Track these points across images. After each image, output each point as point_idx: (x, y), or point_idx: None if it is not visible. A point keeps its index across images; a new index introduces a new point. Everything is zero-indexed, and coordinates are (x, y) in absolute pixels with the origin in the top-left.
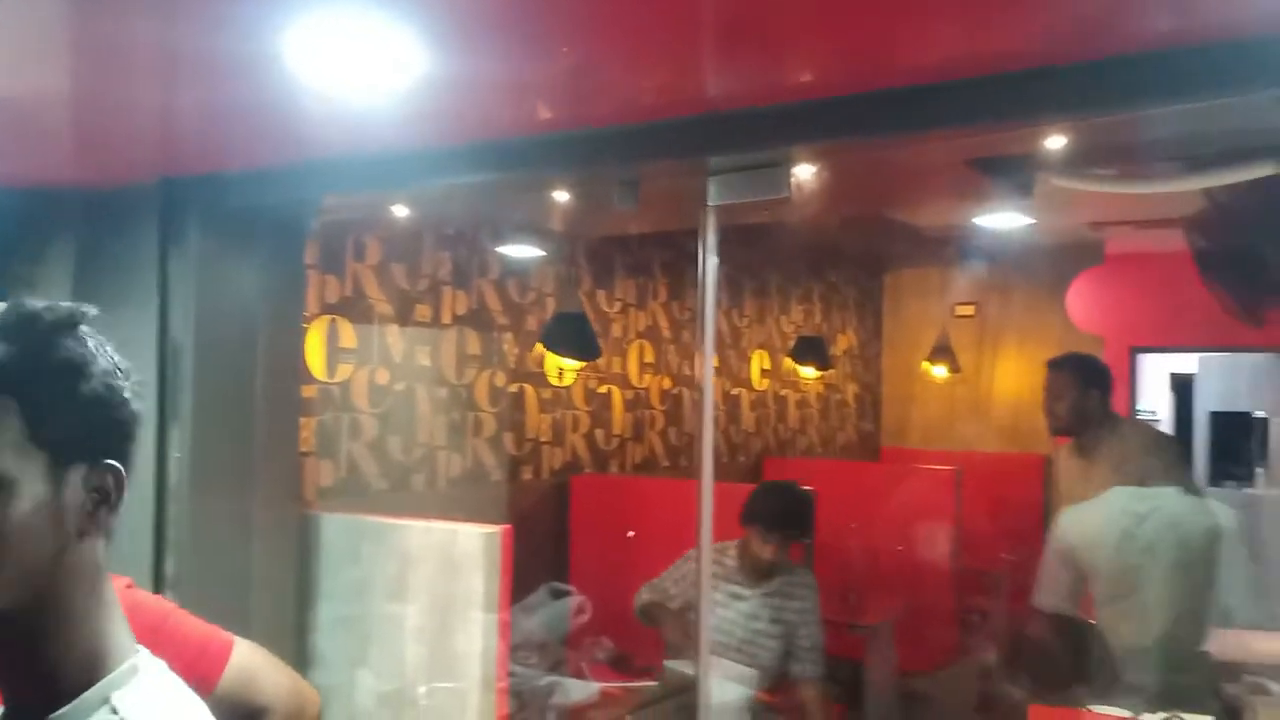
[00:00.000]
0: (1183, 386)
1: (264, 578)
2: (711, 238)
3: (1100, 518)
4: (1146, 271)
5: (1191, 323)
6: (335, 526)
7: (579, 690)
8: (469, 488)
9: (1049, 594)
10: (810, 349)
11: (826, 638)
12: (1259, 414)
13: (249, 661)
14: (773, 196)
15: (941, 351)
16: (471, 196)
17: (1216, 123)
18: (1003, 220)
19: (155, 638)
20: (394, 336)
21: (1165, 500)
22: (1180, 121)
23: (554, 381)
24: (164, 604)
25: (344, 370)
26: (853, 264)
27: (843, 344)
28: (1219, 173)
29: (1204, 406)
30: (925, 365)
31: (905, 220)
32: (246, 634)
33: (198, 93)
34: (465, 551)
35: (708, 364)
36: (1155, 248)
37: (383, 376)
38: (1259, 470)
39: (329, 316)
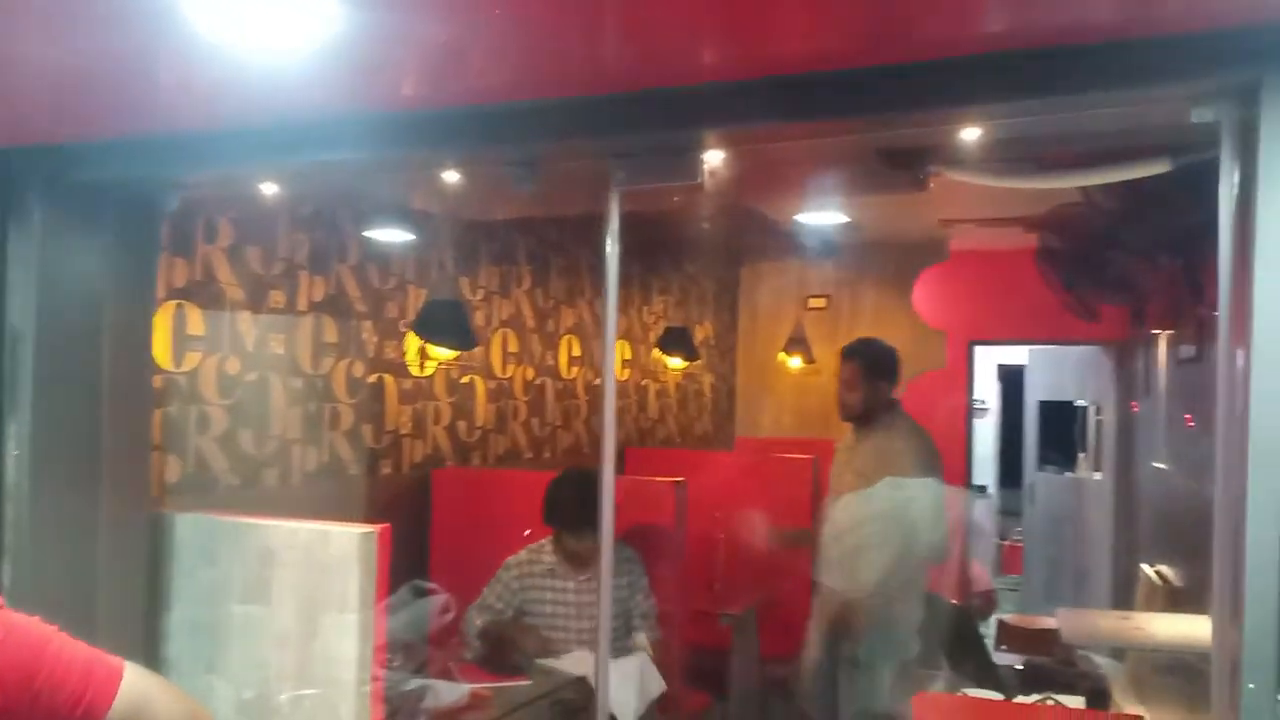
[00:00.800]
0: (1010, 377)
1: (111, 581)
2: (615, 223)
3: (871, 505)
4: (985, 268)
5: (1024, 317)
6: (189, 526)
7: (449, 693)
8: (325, 483)
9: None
10: (677, 340)
11: (695, 629)
12: (1080, 403)
13: (140, 688)
14: (683, 183)
15: (797, 343)
16: (338, 176)
17: (1109, 122)
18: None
19: (36, 665)
20: (246, 323)
21: (921, 491)
22: (1072, 119)
23: (415, 372)
24: (44, 628)
25: (191, 359)
26: (711, 256)
27: (700, 335)
28: (1108, 170)
29: (1034, 396)
30: (781, 356)
31: (764, 213)
32: (91, 642)
33: (41, 52)
34: (338, 552)
35: (609, 353)
36: (993, 246)
37: (233, 366)
38: (1080, 455)
39: (176, 302)
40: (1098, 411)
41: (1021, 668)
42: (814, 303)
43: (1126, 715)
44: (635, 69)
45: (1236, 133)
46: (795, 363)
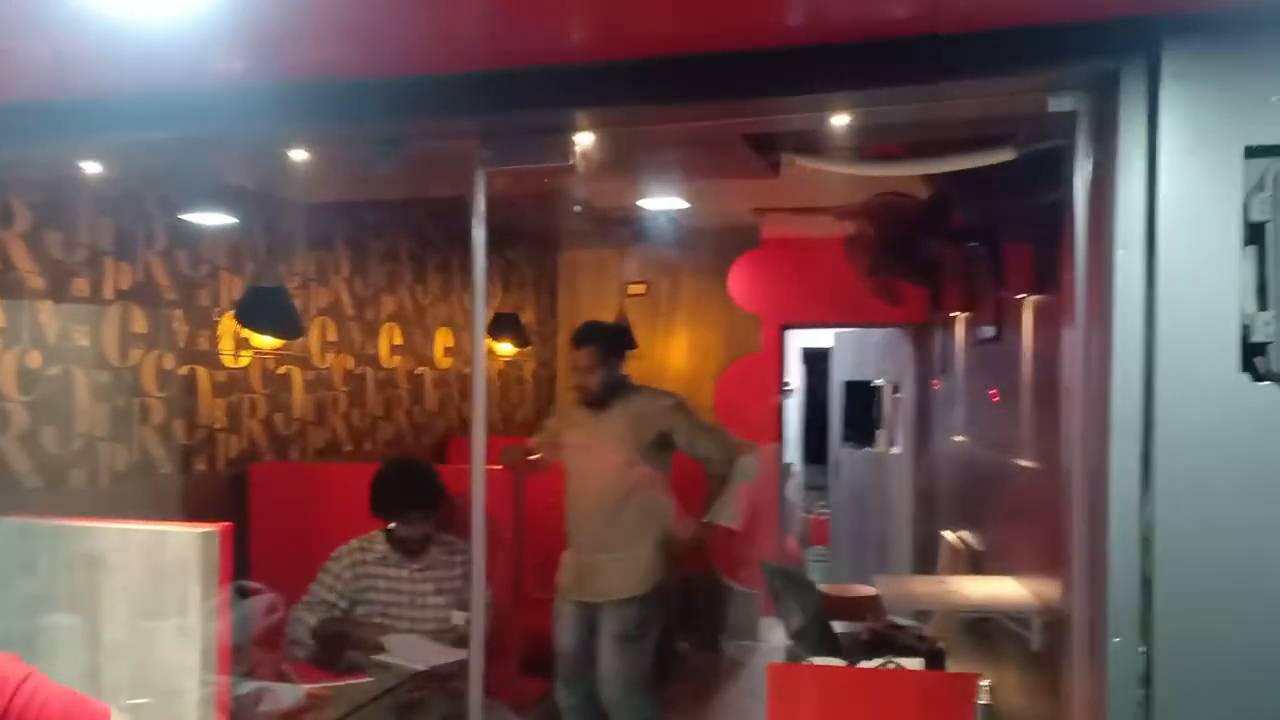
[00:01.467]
0: (814, 359)
1: None
2: (482, 204)
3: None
4: (795, 255)
5: (832, 301)
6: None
7: (287, 694)
8: (136, 483)
9: None
10: (508, 325)
11: (532, 616)
12: (878, 382)
13: None
14: (553, 164)
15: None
16: (159, 155)
17: (969, 110)
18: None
19: (6, 708)
20: (48, 314)
21: None
22: (935, 108)
23: (229, 363)
24: (15, 665)
25: None
26: (531, 242)
27: (523, 321)
28: (955, 159)
29: (839, 377)
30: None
31: (585, 200)
32: None
33: None
34: (176, 554)
35: (478, 341)
36: (803, 233)
37: (34, 359)
38: (878, 432)
39: None
40: (895, 390)
41: (865, 636)
42: (634, 289)
43: (964, 674)
44: (503, 47)
45: (1091, 121)
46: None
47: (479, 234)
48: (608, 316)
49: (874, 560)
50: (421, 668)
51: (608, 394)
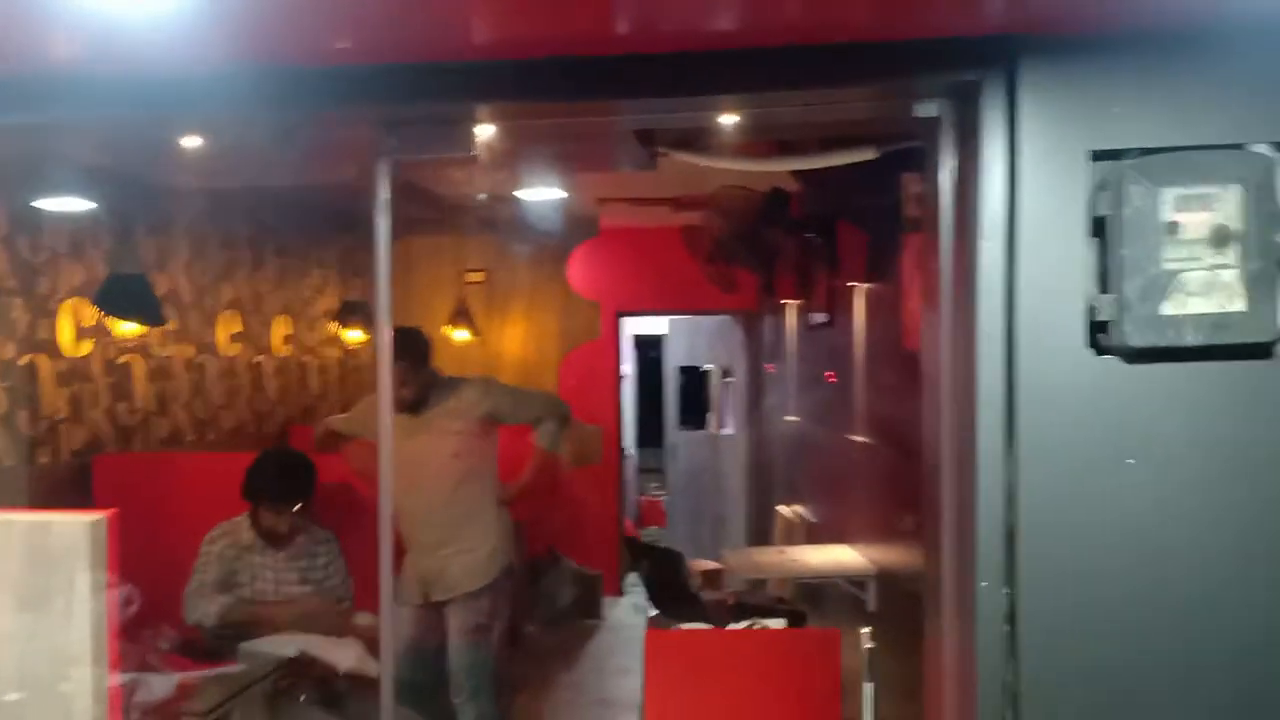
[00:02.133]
0: (646, 346)
1: None
2: (384, 193)
3: None
4: (632, 244)
5: (667, 289)
6: None
7: (160, 685)
8: None
9: None
10: (356, 312)
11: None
12: (707, 367)
13: None
14: (455, 155)
15: (461, 315)
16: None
17: (832, 114)
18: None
19: None
20: None
21: None
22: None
23: (69, 352)
24: None
25: None
26: (366, 228)
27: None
28: (823, 156)
29: (673, 362)
30: (446, 329)
31: (424, 187)
32: None
33: None
34: (62, 543)
35: (382, 332)
36: (640, 223)
37: None
38: (708, 415)
39: None
40: (725, 375)
41: (731, 602)
42: (471, 276)
43: (827, 630)
44: (408, 39)
45: (954, 126)
46: (461, 335)
47: (383, 224)
48: (447, 304)
49: (711, 537)
50: (291, 654)
51: (422, 397)
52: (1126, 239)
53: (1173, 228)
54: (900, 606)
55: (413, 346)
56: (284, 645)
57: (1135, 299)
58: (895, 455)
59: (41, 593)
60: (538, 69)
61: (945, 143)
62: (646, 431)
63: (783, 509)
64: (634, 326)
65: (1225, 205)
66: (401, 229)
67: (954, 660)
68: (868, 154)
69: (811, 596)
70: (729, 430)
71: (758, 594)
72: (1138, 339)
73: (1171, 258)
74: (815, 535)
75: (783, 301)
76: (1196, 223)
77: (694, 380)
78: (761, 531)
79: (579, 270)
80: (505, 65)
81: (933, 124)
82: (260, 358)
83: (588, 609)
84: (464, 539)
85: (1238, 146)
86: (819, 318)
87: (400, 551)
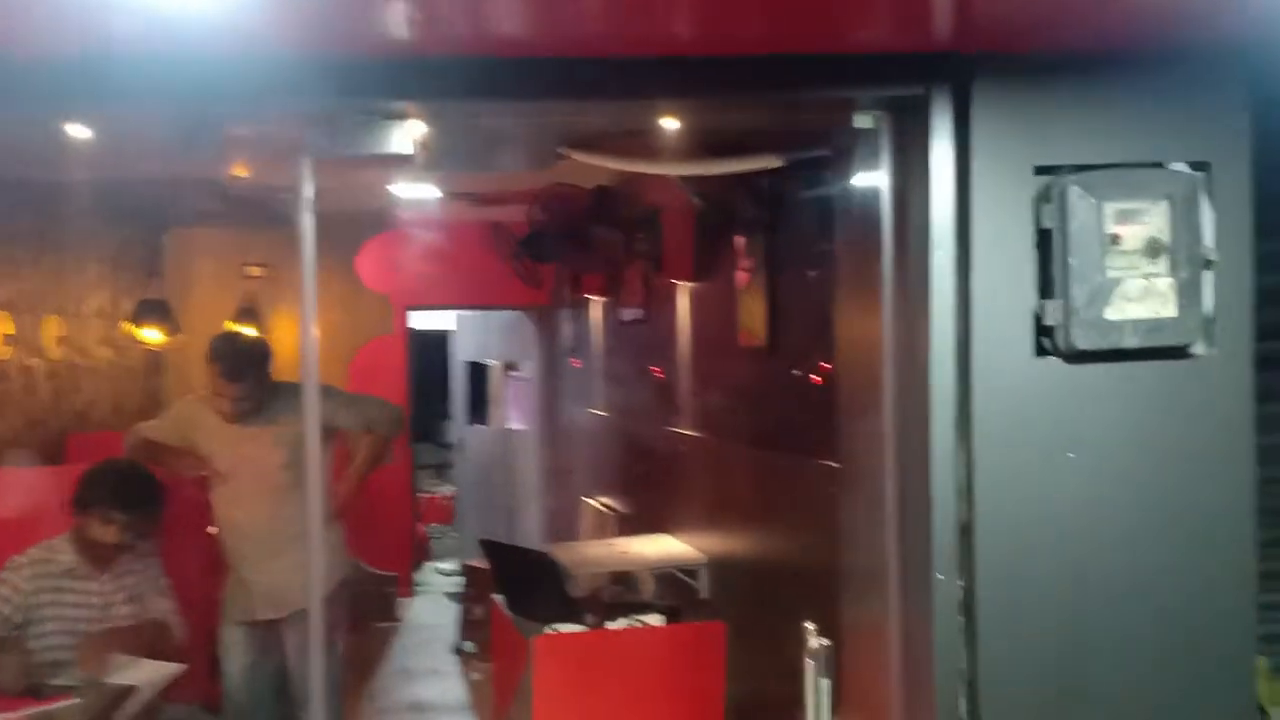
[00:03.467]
0: (428, 341)
1: None
2: (310, 190)
3: None
4: (424, 239)
5: (458, 284)
6: None
7: None
8: None
9: None
10: (154, 311)
11: None
12: (490, 362)
13: None
14: (386, 152)
15: (247, 313)
16: None
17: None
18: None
19: None
20: None
21: None
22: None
23: None
24: None
25: None
26: (136, 221)
27: (129, 306)
28: (725, 162)
29: (462, 357)
30: (230, 325)
31: (202, 177)
32: None
33: None
34: None
35: (308, 329)
36: (433, 217)
37: None
38: (489, 410)
39: None
40: (510, 369)
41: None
42: (251, 271)
43: (711, 623)
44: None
45: (892, 137)
46: (249, 333)
47: (307, 222)
48: (228, 300)
49: (505, 533)
50: (131, 683)
51: (251, 407)
52: (1073, 249)
53: (1114, 239)
54: (733, 592)
55: (260, 358)
56: (123, 673)
57: (1082, 305)
58: (727, 446)
59: None
60: (471, 67)
61: (883, 154)
62: (427, 428)
63: (590, 502)
64: (416, 321)
65: (1156, 219)
66: (173, 221)
67: (903, 651)
68: (772, 161)
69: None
70: (518, 425)
71: (630, 592)
72: (1084, 341)
73: (1113, 266)
74: (629, 527)
75: (588, 297)
76: (1132, 235)
77: (481, 376)
78: (563, 525)
79: (369, 264)
80: (429, 63)
81: (868, 135)
82: (33, 360)
83: (383, 612)
84: (297, 552)
85: (1159, 165)
86: (633, 313)
87: (224, 566)
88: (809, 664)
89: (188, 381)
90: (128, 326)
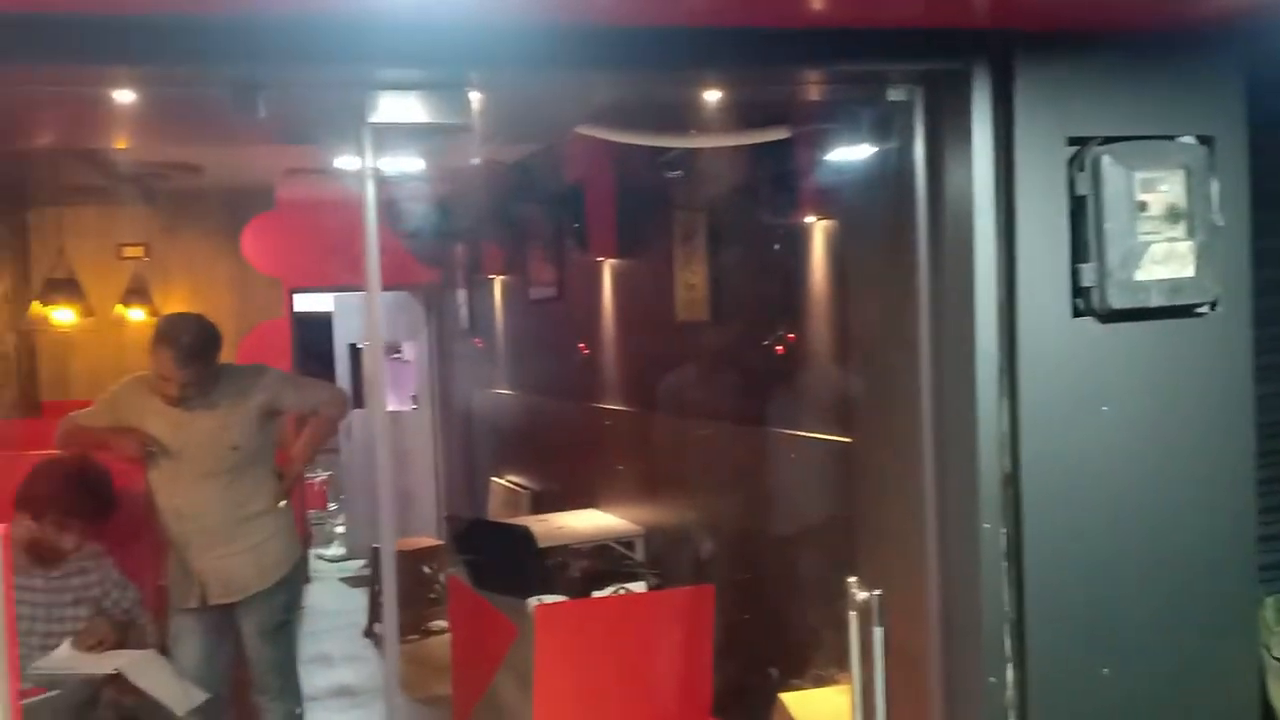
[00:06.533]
0: (310, 324)
1: None
2: (372, 157)
3: None
4: (308, 217)
5: (343, 264)
6: None
7: None
8: None
9: None
10: (62, 290)
11: None
12: (363, 344)
13: None
14: (449, 121)
15: (136, 293)
16: None
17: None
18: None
19: None
20: None
21: None
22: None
23: None
24: None
25: None
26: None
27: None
28: (735, 135)
29: (343, 340)
30: (119, 309)
31: (78, 154)
32: None
33: None
34: None
35: (374, 303)
36: (318, 194)
37: None
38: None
39: None
40: (394, 351)
41: (579, 572)
42: (129, 252)
43: (701, 587)
44: None
45: (926, 110)
46: (137, 315)
47: (370, 191)
48: (109, 281)
49: (398, 515)
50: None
51: (197, 391)
52: (1108, 215)
53: (1142, 205)
54: (670, 559)
55: (212, 342)
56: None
57: (1116, 267)
58: (662, 420)
59: None
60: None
61: (916, 126)
62: None
63: (499, 481)
64: (300, 304)
65: (1175, 187)
66: (37, 199)
67: (943, 599)
68: (779, 133)
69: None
70: (405, 406)
71: (603, 561)
72: (1118, 301)
73: (1142, 231)
74: (545, 504)
75: (490, 276)
76: (1156, 201)
77: (359, 359)
78: (465, 503)
79: (253, 245)
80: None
81: (902, 108)
82: None
83: None
84: (248, 536)
85: (1171, 138)
86: (544, 291)
87: (164, 551)
88: (851, 616)
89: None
90: (36, 307)
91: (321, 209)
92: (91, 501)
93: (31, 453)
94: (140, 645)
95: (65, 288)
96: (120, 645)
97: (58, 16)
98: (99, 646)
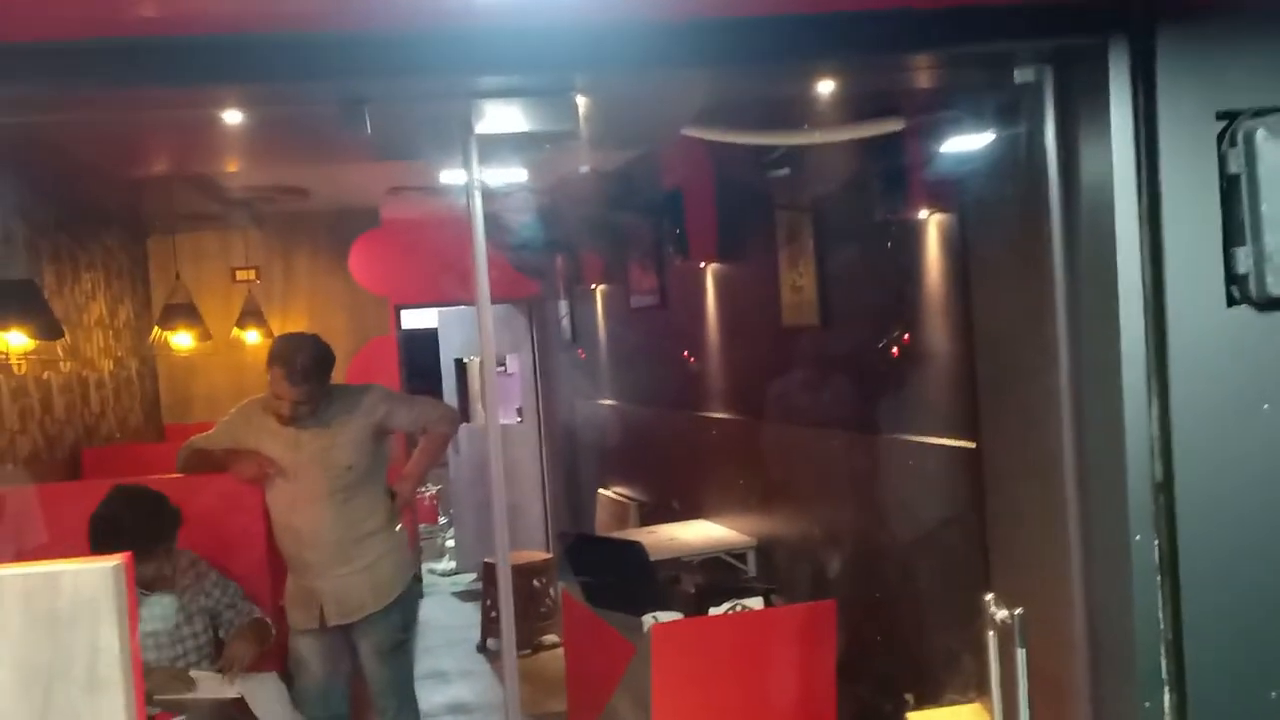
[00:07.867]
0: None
1: None
2: (477, 169)
3: None
4: (412, 235)
5: (448, 280)
6: None
7: None
8: None
9: None
10: (180, 315)
11: None
12: (469, 358)
13: None
14: (555, 128)
15: (251, 315)
16: None
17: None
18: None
19: None
20: None
21: None
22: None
23: None
24: None
25: None
26: (119, 226)
27: (122, 315)
28: (848, 128)
29: (448, 355)
30: (236, 332)
31: (191, 180)
32: None
33: None
34: (78, 596)
35: (485, 322)
36: (421, 212)
37: None
38: (474, 406)
39: None
40: (500, 365)
41: (693, 589)
42: (242, 275)
43: (822, 603)
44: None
45: (1057, 91)
46: (252, 337)
47: (477, 202)
48: (222, 305)
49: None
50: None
51: (310, 410)
52: (1265, 193)
53: None
54: (786, 573)
55: (325, 360)
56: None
57: (1275, 250)
58: (767, 428)
59: (50, 661)
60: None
61: (1048, 109)
62: None
63: (605, 493)
64: (406, 321)
65: None
66: (154, 226)
67: (1088, 616)
68: (894, 125)
69: (691, 571)
70: (511, 420)
71: (717, 577)
72: (1277, 288)
73: None
74: (653, 515)
75: (591, 286)
76: None
77: (465, 373)
78: (572, 517)
79: (360, 263)
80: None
81: (1030, 90)
82: (46, 375)
83: None
84: (363, 555)
85: None
86: (645, 299)
87: (284, 572)
88: (990, 636)
89: (195, 390)
90: (157, 332)
91: (425, 225)
92: (153, 531)
93: (153, 477)
94: (265, 639)
95: (183, 312)
96: (261, 645)
97: (170, 40)
98: (242, 663)
